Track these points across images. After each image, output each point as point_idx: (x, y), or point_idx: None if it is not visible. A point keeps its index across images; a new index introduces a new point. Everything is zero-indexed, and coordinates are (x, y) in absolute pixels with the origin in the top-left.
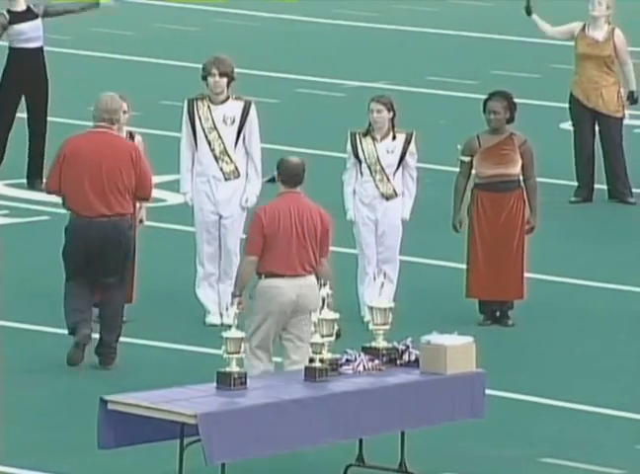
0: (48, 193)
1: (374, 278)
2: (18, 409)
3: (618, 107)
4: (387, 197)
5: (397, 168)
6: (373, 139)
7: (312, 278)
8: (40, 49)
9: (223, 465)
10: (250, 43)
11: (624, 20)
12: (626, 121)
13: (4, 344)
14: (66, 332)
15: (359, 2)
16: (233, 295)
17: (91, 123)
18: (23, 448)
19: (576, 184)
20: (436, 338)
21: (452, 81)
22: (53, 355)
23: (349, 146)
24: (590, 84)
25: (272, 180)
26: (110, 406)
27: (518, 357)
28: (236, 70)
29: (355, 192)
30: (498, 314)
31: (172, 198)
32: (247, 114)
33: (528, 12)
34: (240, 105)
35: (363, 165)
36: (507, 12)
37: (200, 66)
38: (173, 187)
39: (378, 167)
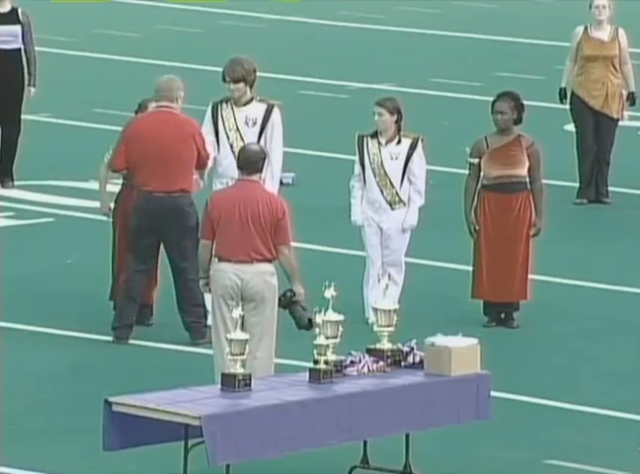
0: (113, 171)
1: (378, 280)
2: (21, 411)
3: (619, 108)
4: (392, 204)
5: (403, 177)
6: (379, 143)
7: (261, 266)
8: (19, 51)
9: (228, 466)
10: (254, 45)
11: (622, 20)
12: (631, 123)
13: (9, 345)
14: (69, 333)
15: (363, 4)
16: (199, 278)
17: (95, 125)
18: (28, 450)
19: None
20: (440, 339)
21: (457, 83)
22: (58, 356)
23: (356, 151)
24: (596, 85)
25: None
26: (114, 408)
27: (522, 359)
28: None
29: (362, 197)
30: (503, 316)
31: None
32: (269, 116)
33: (561, 100)
34: (263, 107)
35: (368, 171)
36: (511, 13)
37: (206, 68)
38: None
39: (382, 172)
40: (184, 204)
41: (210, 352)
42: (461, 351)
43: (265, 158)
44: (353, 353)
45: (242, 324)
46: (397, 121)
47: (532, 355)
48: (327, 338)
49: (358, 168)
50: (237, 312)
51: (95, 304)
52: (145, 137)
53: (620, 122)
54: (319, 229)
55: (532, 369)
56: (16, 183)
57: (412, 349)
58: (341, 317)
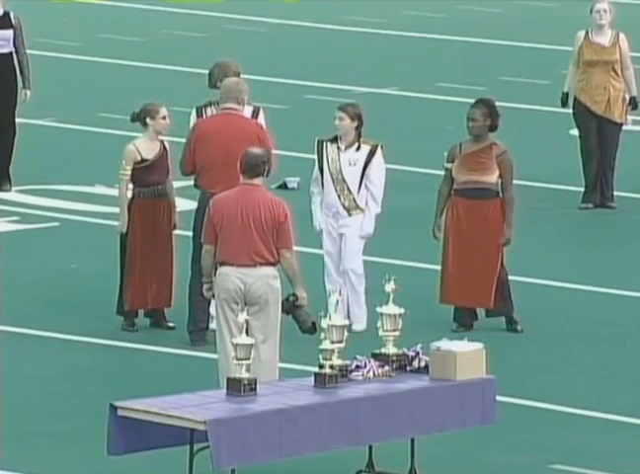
0: (183, 175)
1: (340, 292)
2: (26, 415)
3: (622, 113)
4: (349, 210)
5: (360, 183)
6: (338, 148)
7: (264, 269)
8: (11, 55)
9: (233, 471)
10: (258, 49)
11: (622, 25)
12: (635, 128)
13: (13, 349)
14: (74, 338)
15: (367, 8)
16: (203, 283)
17: (100, 130)
18: (32, 454)
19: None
20: (445, 344)
21: (461, 87)
22: (63, 360)
23: (315, 155)
24: (597, 90)
25: (282, 186)
26: (120, 412)
27: (527, 363)
28: (244, 76)
29: (321, 202)
30: (505, 320)
31: (181, 205)
32: (256, 118)
33: (563, 104)
34: (249, 109)
35: (326, 175)
36: (516, 18)
37: (207, 72)
38: (183, 193)
39: (340, 177)
40: None
41: (215, 356)
42: (467, 355)
43: (267, 161)
44: (358, 357)
45: (246, 328)
46: (357, 128)
47: (537, 359)
48: (332, 342)
49: (316, 172)
50: (242, 317)
51: (100, 309)
52: (210, 139)
53: (625, 127)
54: None
55: (537, 374)
56: (21, 187)
57: (417, 353)
58: (346, 321)
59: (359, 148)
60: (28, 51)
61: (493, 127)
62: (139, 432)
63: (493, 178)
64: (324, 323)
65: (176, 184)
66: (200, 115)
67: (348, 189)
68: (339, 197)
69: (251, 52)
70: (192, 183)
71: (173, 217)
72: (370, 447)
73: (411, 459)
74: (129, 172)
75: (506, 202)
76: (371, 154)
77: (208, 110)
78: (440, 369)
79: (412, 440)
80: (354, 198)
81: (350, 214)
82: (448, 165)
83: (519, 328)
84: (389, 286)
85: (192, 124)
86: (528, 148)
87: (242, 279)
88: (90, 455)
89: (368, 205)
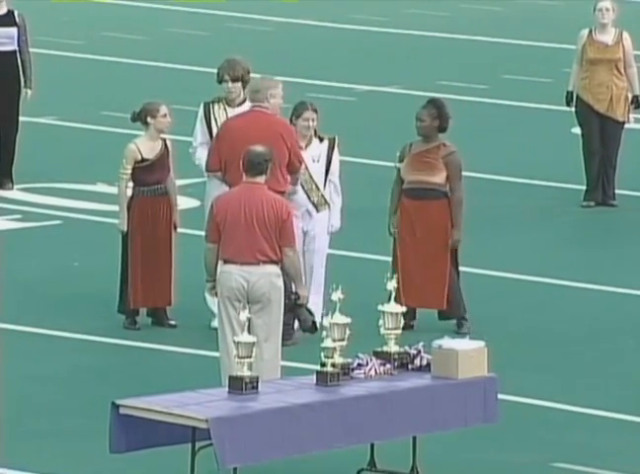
0: (207, 171)
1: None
2: (28, 413)
3: (625, 111)
4: (318, 207)
5: (325, 178)
6: (300, 148)
7: (267, 268)
8: (15, 53)
9: (235, 470)
10: (261, 48)
11: (625, 23)
12: (637, 126)
13: (15, 348)
14: (76, 336)
15: (370, 6)
16: (206, 281)
17: (102, 128)
18: (34, 453)
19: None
20: (447, 342)
21: (463, 85)
22: (65, 359)
23: None
24: (600, 88)
25: None
26: (121, 410)
27: (529, 362)
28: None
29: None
30: (455, 323)
31: (183, 203)
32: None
33: (568, 103)
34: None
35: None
36: (518, 16)
37: (212, 71)
38: (184, 191)
39: (307, 175)
40: None
41: (217, 354)
42: (468, 353)
43: (270, 160)
44: (360, 355)
45: (248, 326)
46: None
47: (539, 357)
48: (334, 340)
49: None
50: (244, 315)
51: (102, 307)
52: (234, 136)
53: (627, 125)
54: None
55: (539, 372)
56: (23, 185)
57: (419, 351)
58: (348, 320)
59: (321, 141)
60: (30, 50)
61: (442, 128)
62: (141, 430)
63: (439, 178)
64: (326, 321)
65: (178, 182)
66: (206, 111)
67: (316, 185)
68: (308, 195)
69: (254, 51)
70: (193, 182)
71: (174, 216)
72: (372, 446)
73: (413, 457)
74: (130, 171)
75: (453, 204)
76: (332, 148)
77: (215, 106)
78: (442, 368)
79: (414, 439)
80: (322, 194)
81: (318, 211)
82: (399, 165)
83: (464, 330)
84: (391, 285)
85: (198, 120)
86: (530, 146)
87: (245, 278)
88: (92, 454)
89: (333, 200)
